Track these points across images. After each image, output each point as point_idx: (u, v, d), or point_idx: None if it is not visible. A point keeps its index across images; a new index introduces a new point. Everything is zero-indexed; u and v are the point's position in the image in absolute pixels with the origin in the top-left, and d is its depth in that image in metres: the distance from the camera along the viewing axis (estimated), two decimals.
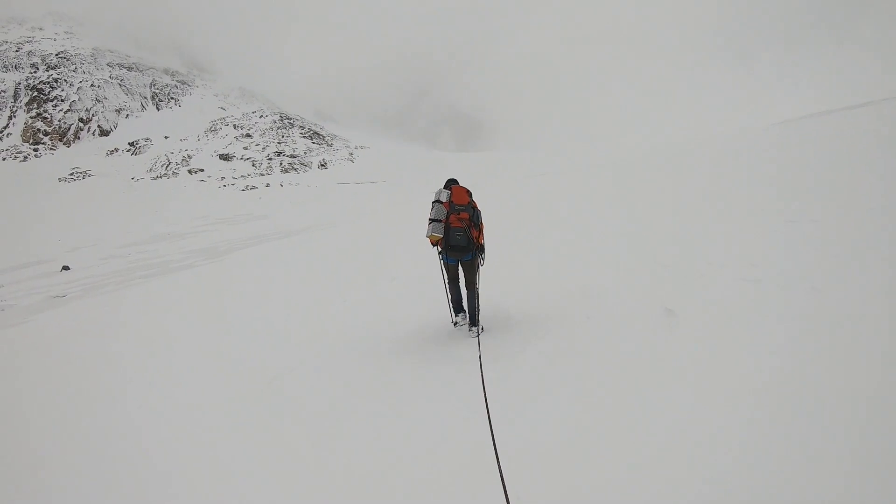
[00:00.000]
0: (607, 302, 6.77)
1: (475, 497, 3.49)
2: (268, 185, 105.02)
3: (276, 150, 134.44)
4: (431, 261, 10.25)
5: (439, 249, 6.64)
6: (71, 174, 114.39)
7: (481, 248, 6.70)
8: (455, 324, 7.06)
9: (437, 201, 6.39)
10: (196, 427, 5.79)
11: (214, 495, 4.33)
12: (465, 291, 6.81)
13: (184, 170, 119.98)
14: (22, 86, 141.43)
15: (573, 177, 26.42)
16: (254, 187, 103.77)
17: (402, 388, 5.64)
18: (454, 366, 5.83)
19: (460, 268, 6.79)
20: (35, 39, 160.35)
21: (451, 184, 6.72)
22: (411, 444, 4.41)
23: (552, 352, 5.62)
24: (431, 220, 6.32)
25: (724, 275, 6.54)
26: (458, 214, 6.30)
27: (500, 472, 3.22)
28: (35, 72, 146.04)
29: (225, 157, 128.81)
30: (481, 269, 6.90)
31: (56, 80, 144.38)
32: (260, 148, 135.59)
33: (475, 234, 6.46)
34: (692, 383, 4.23)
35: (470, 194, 6.56)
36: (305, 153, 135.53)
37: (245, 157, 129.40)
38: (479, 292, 6.81)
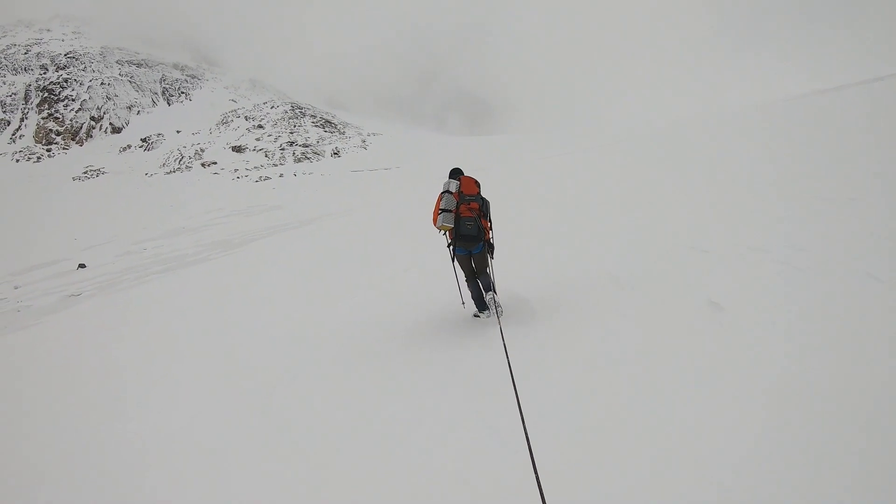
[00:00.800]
0: (644, 293, 6.23)
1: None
2: (281, 176, 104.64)
3: (288, 139, 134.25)
4: (441, 251, 10.26)
5: (448, 242, 6.68)
6: (85, 173, 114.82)
7: (490, 247, 6.72)
8: (476, 316, 6.95)
9: (446, 192, 6.41)
10: (197, 436, 5.55)
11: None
12: (479, 280, 6.80)
13: (197, 163, 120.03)
14: (32, 87, 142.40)
15: (592, 157, 26.14)
16: (267, 178, 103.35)
17: (406, 389, 5.40)
18: (461, 371, 5.49)
19: (472, 261, 6.76)
20: (43, 41, 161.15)
21: (457, 174, 6.80)
22: (412, 448, 4.23)
23: (583, 363, 4.89)
24: (442, 210, 6.33)
25: (768, 261, 6.11)
26: (469, 204, 6.39)
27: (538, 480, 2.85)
28: (45, 73, 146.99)
29: (237, 149, 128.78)
30: (492, 261, 6.93)
31: (66, 80, 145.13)
32: (272, 138, 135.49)
33: (485, 224, 6.52)
34: (750, 403, 3.64)
35: (478, 185, 6.65)
36: (318, 142, 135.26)
37: (258, 149, 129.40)
38: (494, 279, 6.85)
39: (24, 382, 9.34)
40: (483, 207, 6.53)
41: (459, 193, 6.43)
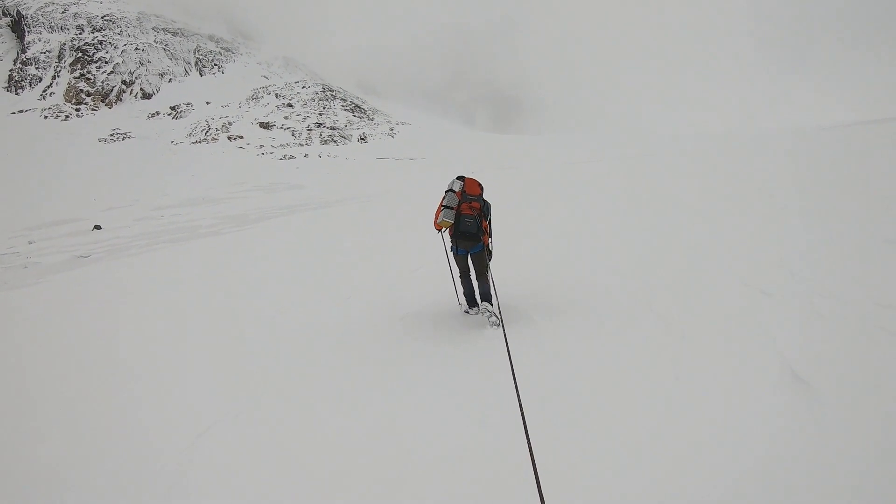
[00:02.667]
0: (703, 346, 4.97)
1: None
2: (306, 156, 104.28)
3: (316, 121, 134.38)
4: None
5: (450, 243, 6.82)
6: (111, 135, 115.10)
7: (489, 253, 6.91)
8: (467, 312, 7.11)
9: (449, 190, 6.63)
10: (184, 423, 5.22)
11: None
12: (477, 283, 6.89)
13: (223, 136, 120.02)
14: (67, 47, 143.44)
15: (629, 167, 25.35)
16: (292, 157, 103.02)
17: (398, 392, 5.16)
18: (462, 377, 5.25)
19: (470, 261, 6.93)
20: (81, 2, 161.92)
21: (463, 177, 6.87)
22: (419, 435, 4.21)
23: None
24: (444, 207, 6.54)
25: (851, 318, 4.91)
26: (470, 203, 6.55)
27: (535, 470, 2.83)
28: (80, 33, 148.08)
29: (265, 126, 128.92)
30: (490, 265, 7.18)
31: (101, 43, 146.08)
32: (301, 118, 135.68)
33: (485, 224, 6.66)
34: None
35: (481, 187, 6.79)
36: (346, 126, 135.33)
37: (285, 127, 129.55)
38: (495, 287, 6.99)
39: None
40: (484, 208, 6.67)
41: (462, 192, 6.62)
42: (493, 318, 6.41)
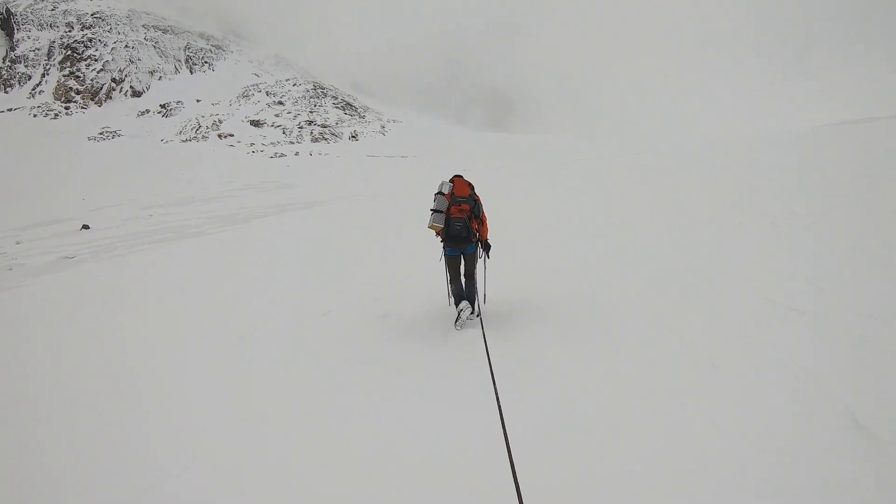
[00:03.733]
0: (732, 376, 4.03)
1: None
2: (297, 154, 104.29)
3: (307, 118, 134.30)
4: (439, 252, 9.09)
5: (441, 243, 6.74)
6: (101, 133, 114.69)
7: (486, 246, 6.93)
8: (457, 320, 6.65)
9: (439, 193, 6.58)
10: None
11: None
12: (465, 281, 6.88)
13: (213, 134, 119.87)
14: (56, 44, 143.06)
15: (631, 169, 24.72)
16: (282, 155, 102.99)
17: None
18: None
19: (462, 261, 6.84)
20: None
21: (455, 177, 6.89)
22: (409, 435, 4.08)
23: None
24: (433, 211, 6.52)
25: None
26: (459, 206, 6.49)
27: (513, 468, 2.82)
28: (70, 31, 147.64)
29: (256, 124, 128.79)
30: (487, 259, 7.32)
31: (90, 40, 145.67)
32: (291, 116, 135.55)
33: (475, 225, 6.62)
34: None
35: (472, 187, 6.73)
36: (337, 123, 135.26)
37: (276, 125, 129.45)
38: (479, 283, 7.11)
39: None
40: (474, 209, 6.59)
41: (451, 195, 6.54)
42: (470, 316, 6.52)
